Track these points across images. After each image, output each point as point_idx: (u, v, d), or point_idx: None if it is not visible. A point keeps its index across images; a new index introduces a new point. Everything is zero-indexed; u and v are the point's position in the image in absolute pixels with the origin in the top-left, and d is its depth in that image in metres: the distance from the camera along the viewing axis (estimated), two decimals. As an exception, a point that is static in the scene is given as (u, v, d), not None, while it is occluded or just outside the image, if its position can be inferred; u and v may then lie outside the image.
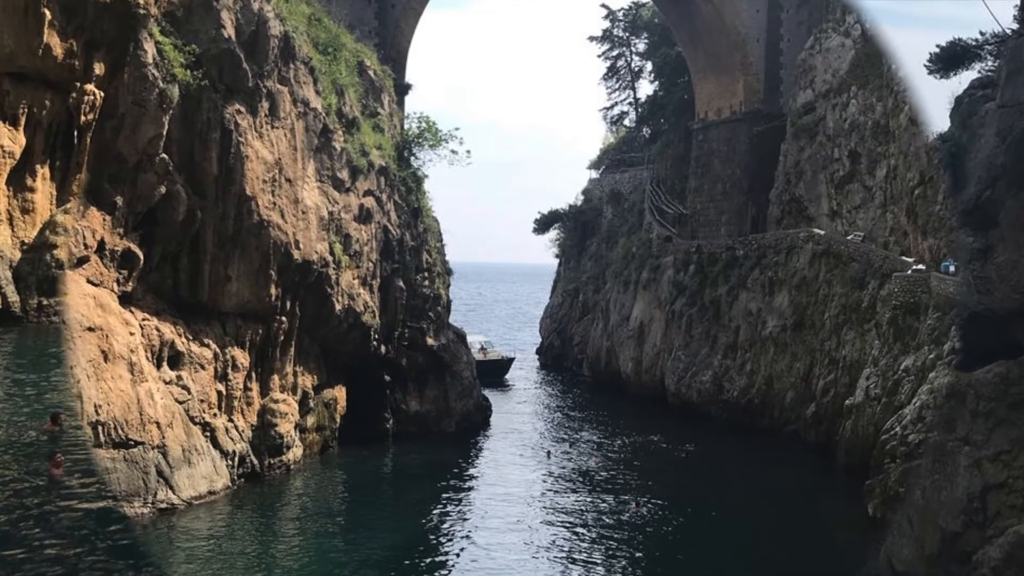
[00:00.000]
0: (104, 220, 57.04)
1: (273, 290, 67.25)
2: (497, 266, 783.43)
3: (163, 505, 56.66)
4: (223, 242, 64.21)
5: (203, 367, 63.69)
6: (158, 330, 60.82)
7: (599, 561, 52.90)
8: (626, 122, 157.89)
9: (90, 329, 54.22)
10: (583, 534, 57.95)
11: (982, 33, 62.26)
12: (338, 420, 78.60)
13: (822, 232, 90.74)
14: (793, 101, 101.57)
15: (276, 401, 69.38)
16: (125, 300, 59.21)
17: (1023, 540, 44.02)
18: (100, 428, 53.67)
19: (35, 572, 25.12)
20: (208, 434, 63.04)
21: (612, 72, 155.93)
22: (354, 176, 77.27)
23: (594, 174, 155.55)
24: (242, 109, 63.93)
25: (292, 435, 70.20)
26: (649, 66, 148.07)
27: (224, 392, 65.60)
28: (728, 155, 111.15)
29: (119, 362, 55.87)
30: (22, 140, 51.87)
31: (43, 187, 54.63)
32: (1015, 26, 68.99)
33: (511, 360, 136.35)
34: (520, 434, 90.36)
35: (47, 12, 50.82)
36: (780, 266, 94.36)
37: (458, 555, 53.65)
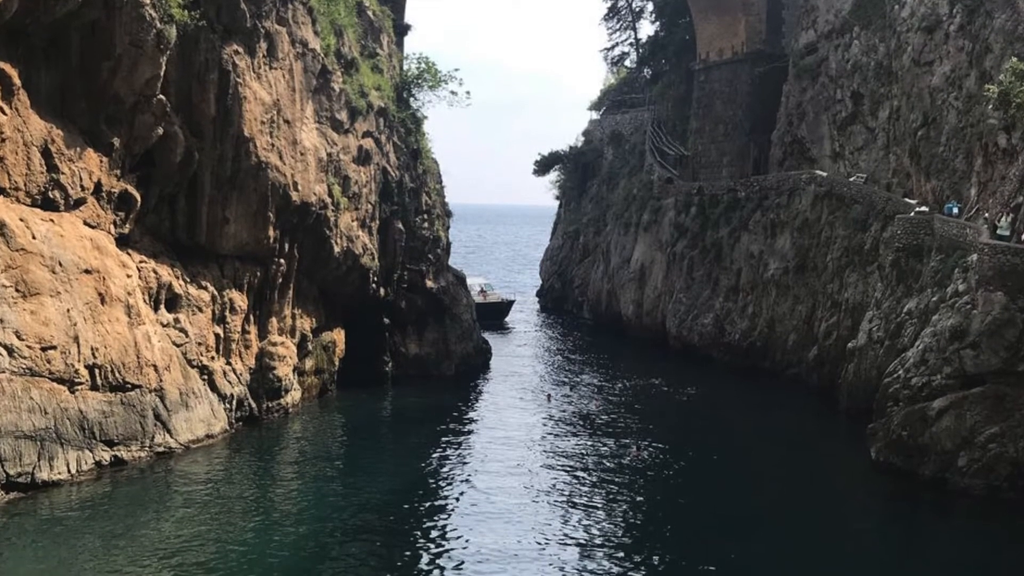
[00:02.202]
0: (101, 161, 56.58)
1: (271, 232, 66.74)
2: (497, 208, 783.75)
3: (160, 449, 56.55)
4: (221, 184, 63.68)
5: (201, 310, 63.31)
6: (155, 272, 60.44)
7: (600, 505, 52.55)
8: (627, 63, 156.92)
9: (87, 271, 53.97)
10: (584, 478, 57.61)
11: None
12: (337, 363, 78.30)
13: (824, 174, 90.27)
14: (795, 42, 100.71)
15: (274, 344, 69.03)
16: (122, 242, 58.91)
17: None
18: (97, 371, 53.47)
19: None
20: (206, 377, 62.81)
21: (613, 12, 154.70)
22: (353, 117, 76.63)
23: (595, 115, 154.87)
24: (240, 50, 63.22)
25: (290, 378, 69.92)
26: (650, 6, 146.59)
27: (222, 335, 65.25)
28: (730, 96, 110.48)
29: (116, 304, 55.62)
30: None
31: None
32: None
33: (511, 303, 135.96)
34: (520, 377, 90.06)
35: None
36: (782, 208, 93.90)
37: (458, 499, 53.30)
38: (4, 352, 48.70)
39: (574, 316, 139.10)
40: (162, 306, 60.95)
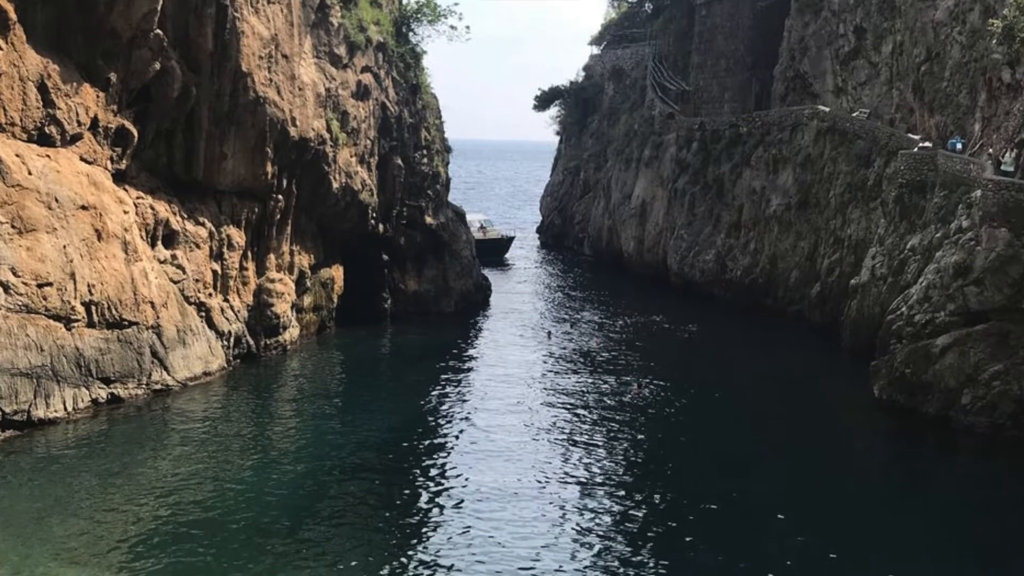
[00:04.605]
0: (98, 97, 56.09)
1: (269, 168, 66.25)
2: (497, 143, 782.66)
3: (157, 386, 56.37)
4: (218, 119, 63.18)
5: (198, 246, 62.94)
6: (152, 208, 60.03)
7: (600, 443, 52.37)
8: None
9: (83, 207, 53.59)
10: (584, 416, 57.40)
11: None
12: (335, 300, 77.99)
13: (827, 109, 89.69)
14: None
15: (272, 281, 68.65)
16: (119, 178, 58.50)
17: None
18: (93, 308, 53.15)
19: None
20: (203, 314, 62.53)
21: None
22: (352, 52, 75.92)
23: (595, 50, 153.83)
24: (237, -17, 62.59)
25: (288, 315, 69.61)
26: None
27: (219, 272, 64.88)
28: (732, 31, 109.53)
29: (113, 241, 55.25)
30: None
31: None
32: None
33: (511, 239, 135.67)
34: (520, 314, 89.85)
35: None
36: (784, 143, 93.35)
37: (457, 437, 53.12)
38: (0, 289, 48.36)
39: (574, 252, 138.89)
40: (159, 242, 60.61)
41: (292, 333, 70.11)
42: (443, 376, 66.30)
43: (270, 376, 64.29)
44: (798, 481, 48.25)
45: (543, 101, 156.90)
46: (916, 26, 76.48)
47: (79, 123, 54.87)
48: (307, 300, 74.12)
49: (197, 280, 62.61)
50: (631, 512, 43.03)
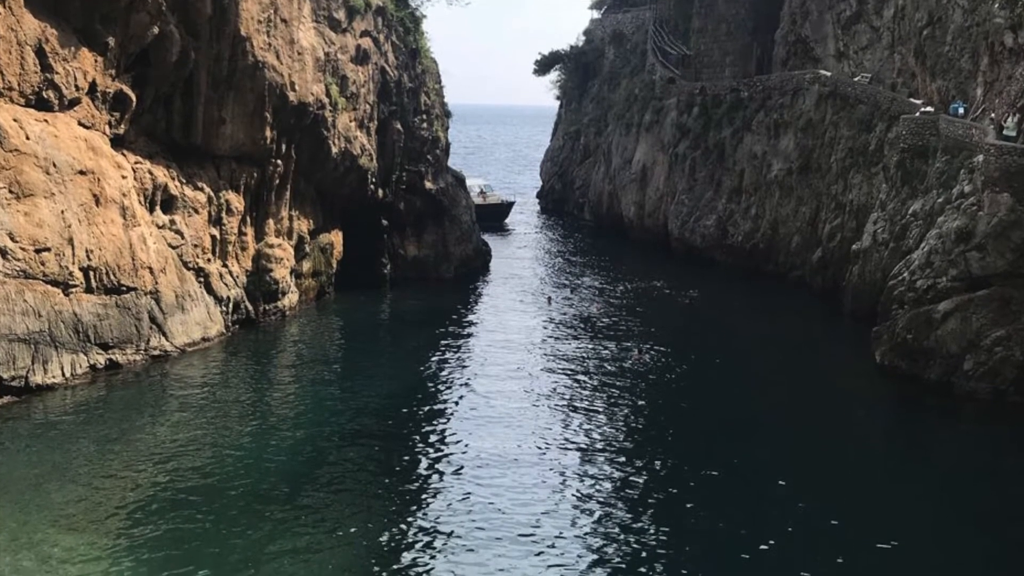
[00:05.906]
0: (96, 61, 55.72)
1: (268, 132, 65.98)
2: (497, 108, 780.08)
3: (156, 352, 56.21)
4: (217, 84, 62.88)
5: (197, 211, 62.71)
6: (151, 173, 59.79)
7: (601, 409, 52.22)
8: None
9: (81, 172, 53.37)
10: (584, 382, 57.28)
11: None
12: (335, 265, 77.81)
13: (828, 73, 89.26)
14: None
15: (271, 246, 68.47)
16: (117, 143, 58.25)
17: None
18: (92, 273, 52.95)
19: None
20: (202, 280, 62.37)
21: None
22: (351, 16, 75.55)
23: (596, 14, 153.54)
24: (236, -54, 62.21)
25: (287, 280, 69.44)
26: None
27: (218, 237, 64.67)
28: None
29: (111, 206, 55.03)
30: None
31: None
32: None
33: (511, 204, 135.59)
34: (520, 280, 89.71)
35: None
36: (786, 108, 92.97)
37: (457, 403, 52.98)
38: (-3, 255, 48.26)
39: (575, 218, 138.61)
40: (158, 207, 60.41)
41: (291, 299, 69.97)
42: (443, 342, 66.17)
43: (269, 342, 64.18)
44: (799, 447, 48.13)
45: (543, 66, 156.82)
46: (918, -10, 76.20)
47: (77, 88, 54.57)
48: (306, 265, 73.91)
49: (196, 245, 62.42)
50: (631, 478, 42.89)
